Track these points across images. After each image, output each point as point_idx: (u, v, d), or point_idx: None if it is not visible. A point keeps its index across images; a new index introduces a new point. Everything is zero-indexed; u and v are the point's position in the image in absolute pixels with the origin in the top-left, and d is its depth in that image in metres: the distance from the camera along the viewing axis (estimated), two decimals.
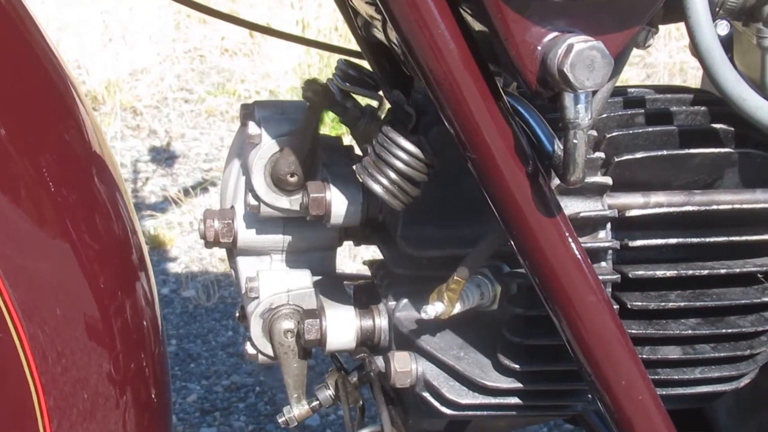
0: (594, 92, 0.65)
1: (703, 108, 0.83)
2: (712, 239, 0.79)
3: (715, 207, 0.79)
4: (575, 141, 0.64)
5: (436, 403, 0.81)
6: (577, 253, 0.70)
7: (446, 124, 0.69)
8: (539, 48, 0.63)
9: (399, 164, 0.74)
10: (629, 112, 0.82)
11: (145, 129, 3.19)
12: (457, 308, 0.78)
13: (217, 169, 2.89)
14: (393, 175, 0.75)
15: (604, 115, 0.82)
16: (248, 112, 0.89)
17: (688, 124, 0.82)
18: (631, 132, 0.80)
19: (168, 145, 3.01)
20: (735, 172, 0.82)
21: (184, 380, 1.77)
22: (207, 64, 3.43)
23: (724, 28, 0.78)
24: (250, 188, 0.86)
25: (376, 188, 0.74)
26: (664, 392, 0.82)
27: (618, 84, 0.77)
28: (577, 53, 0.62)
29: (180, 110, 3.16)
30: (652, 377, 0.81)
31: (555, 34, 0.64)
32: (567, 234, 0.70)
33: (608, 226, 0.79)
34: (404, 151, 0.75)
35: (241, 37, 3.36)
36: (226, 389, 1.74)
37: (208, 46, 3.50)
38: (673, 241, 0.78)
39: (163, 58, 3.40)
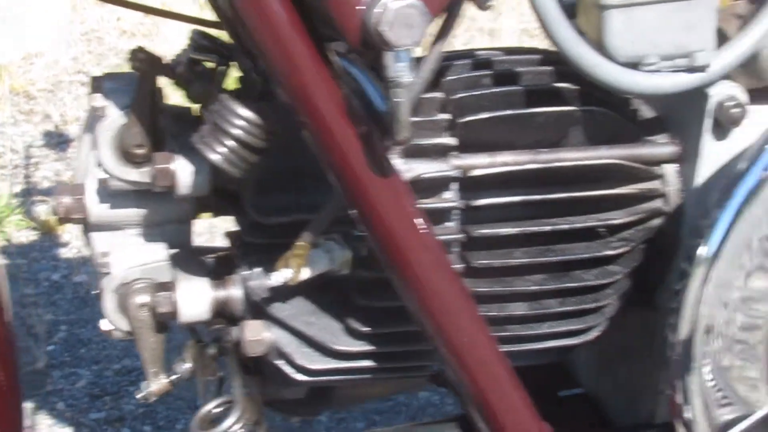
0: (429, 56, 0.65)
1: (549, 68, 0.84)
2: (555, 195, 0.80)
3: (558, 164, 0.80)
4: (398, 100, 0.64)
5: (289, 370, 0.81)
6: (411, 213, 0.70)
7: (278, 88, 0.69)
8: (359, 8, 0.63)
9: (235, 131, 0.74)
10: (476, 74, 0.83)
11: (38, 113, 3.12)
12: (305, 274, 0.78)
13: None
14: (230, 143, 0.74)
15: (451, 78, 0.83)
16: (97, 84, 0.87)
17: (534, 85, 0.83)
18: (476, 93, 0.81)
19: (62, 129, 2.95)
20: (580, 130, 0.83)
21: (74, 366, 1.74)
22: (105, 45, 3.35)
23: None
24: (98, 162, 0.85)
25: (212, 156, 0.74)
26: (515, 348, 0.83)
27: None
28: (395, 11, 0.62)
29: (76, 93, 3.09)
30: (502, 334, 0.82)
31: None
32: (402, 195, 0.70)
33: (454, 187, 0.79)
34: (241, 118, 0.74)
35: (139, 17, 3.30)
36: (116, 373, 1.71)
37: (106, 27, 3.42)
38: (517, 198, 0.79)
39: (59, 40, 3.32)
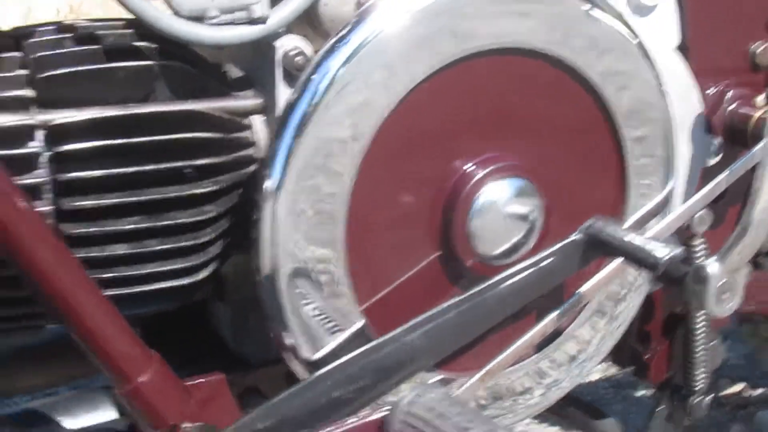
0: None
1: (131, 30, 0.91)
2: (137, 139, 0.86)
3: (140, 111, 0.87)
4: None
5: None
6: None
7: None
8: None
9: None
10: (58, 37, 0.89)
11: None
12: None
13: None
14: None
15: (33, 41, 0.88)
16: None
17: (115, 44, 0.90)
18: (57, 52, 0.87)
19: None
20: (164, 87, 0.90)
21: None
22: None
23: None
24: None
25: None
26: (125, 291, 0.88)
27: None
28: None
29: None
30: (107, 276, 0.87)
31: None
32: None
33: (39, 137, 0.84)
34: None
35: None
36: None
37: None
38: (99, 143, 0.85)
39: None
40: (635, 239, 0.90)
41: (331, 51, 0.88)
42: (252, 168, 0.93)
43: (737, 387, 1.60)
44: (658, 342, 1.15)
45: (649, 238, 0.90)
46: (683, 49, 1.09)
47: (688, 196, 1.08)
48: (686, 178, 1.08)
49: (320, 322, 0.93)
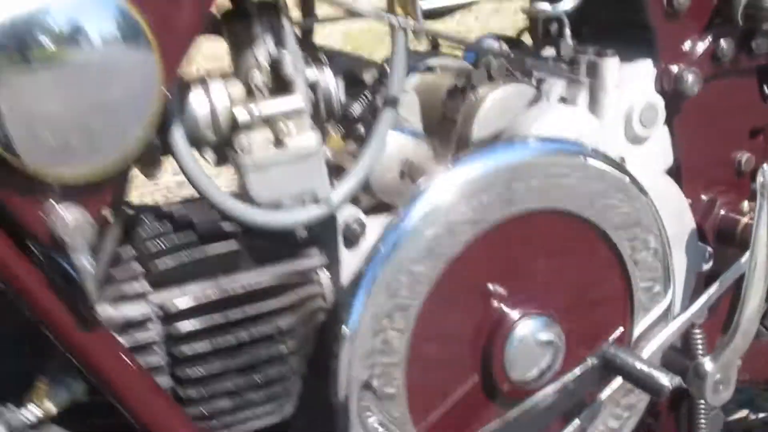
0: None
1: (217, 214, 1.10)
2: (234, 317, 1.06)
3: (235, 291, 1.06)
4: (86, 281, 0.89)
5: None
6: (118, 350, 0.94)
7: None
8: (42, 214, 0.88)
9: None
10: (161, 228, 1.07)
11: None
12: (52, 407, 1.00)
13: None
14: None
15: (139, 229, 1.07)
16: None
17: (210, 230, 1.08)
18: (163, 248, 1.05)
19: None
20: (248, 258, 1.09)
21: None
22: None
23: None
24: None
25: None
26: None
27: None
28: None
29: None
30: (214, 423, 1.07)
31: None
32: (108, 338, 0.94)
33: (156, 321, 1.04)
34: None
35: None
36: None
37: None
38: (206, 324, 1.04)
39: None
40: (644, 367, 1.10)
41: (393, 224, 1.07)
42: (322, 316, 1.12)
43: (742, 413, 1.79)
44: (666, 415, 1.35)
45: (656, 367, 1.10)
46: (676, 167, 1.27)
47: (685, 299, 1.27)
48: (683, 286, 1.27)
49: None
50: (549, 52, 1.21)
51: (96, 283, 0.90)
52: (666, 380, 1.08)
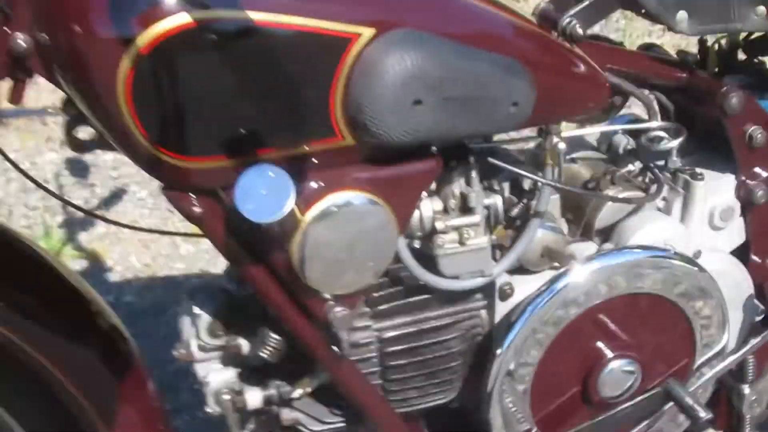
0: None
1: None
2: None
3: (428, 317, 1.65)
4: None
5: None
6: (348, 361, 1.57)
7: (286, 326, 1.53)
8: (323, 310, 1.48)
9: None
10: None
11: (56, 140, 3.72)
12: (309, 388, 1.64)
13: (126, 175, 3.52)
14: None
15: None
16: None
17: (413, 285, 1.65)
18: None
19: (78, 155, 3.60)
20: (435, 304, 1.67)
21: None
22: None
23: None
24: (197, 335, 1.69)
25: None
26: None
27: None
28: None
29: None
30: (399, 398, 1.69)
31: None
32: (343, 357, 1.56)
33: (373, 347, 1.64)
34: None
35: None
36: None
37: None
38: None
39: None
40: (689, 400, 1.64)
41: (533, 298, 1.62)
42: (479, 340, 1.70)
43: None
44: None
45: (698, 402, 1.65)
46: (747, 242, 1.76)
47: (740, 340, 1.78)
48: (738, 332, 1.78)
49: (513, 413, 1.73)
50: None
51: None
52: (702, 413, 1.62)
